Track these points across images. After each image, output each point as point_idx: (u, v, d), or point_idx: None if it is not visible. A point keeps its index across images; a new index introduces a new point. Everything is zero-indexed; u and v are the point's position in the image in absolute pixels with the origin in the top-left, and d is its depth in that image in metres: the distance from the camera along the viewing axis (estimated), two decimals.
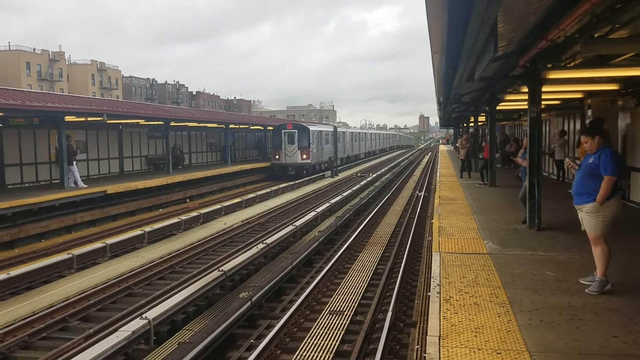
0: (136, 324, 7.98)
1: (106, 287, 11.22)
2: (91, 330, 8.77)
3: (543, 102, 10.78)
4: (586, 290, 6.51)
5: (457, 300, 6.25)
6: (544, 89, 9.83)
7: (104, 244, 13.96)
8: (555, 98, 15.84)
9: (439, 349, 4.95)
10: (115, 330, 8.06)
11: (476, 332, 5.35)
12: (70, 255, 12.69)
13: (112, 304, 10.53)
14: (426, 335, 6.91)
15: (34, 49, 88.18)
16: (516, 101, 17.04)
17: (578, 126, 17.51)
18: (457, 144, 35.30)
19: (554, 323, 5.53)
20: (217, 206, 21.74)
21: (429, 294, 8.43)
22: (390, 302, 9.64)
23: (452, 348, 4.97)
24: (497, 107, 18.03)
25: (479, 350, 4.94)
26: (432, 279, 7.15)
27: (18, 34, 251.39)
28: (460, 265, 7.79)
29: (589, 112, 14.70)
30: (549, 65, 9.09)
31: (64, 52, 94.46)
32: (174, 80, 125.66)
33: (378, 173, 38.50)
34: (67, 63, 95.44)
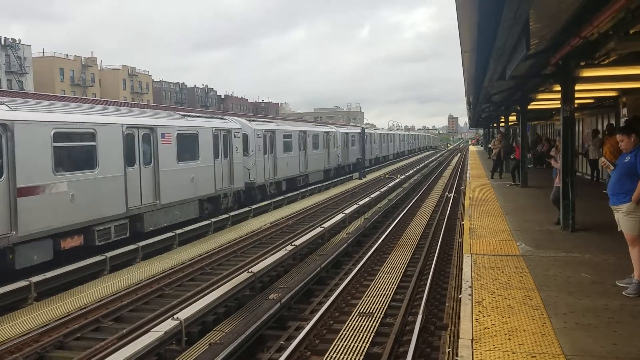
0: (168, 325, 8.07)
1: (138, 288, 11.39)
2: (124, 331, 8.90)
3: (576, 101, 10.55)
4: (623, 293, 6.35)
5: (490, 303, 6.16)
6: (577, 87, 9.63)
7: (136, 246, 14.18)
8: (588, 97, 15.50)
9: (472, 352, 4.89)
10: (148, 330, 8.17)
11: (510, 335, 5.26)
12: (104, 257, 12.92)
13: (144, 304, 10.67)
14: (458, 338, 6.84)
15: (67, 55, 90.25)
16: (548, 100, 16.75)
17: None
18: (490, 145, 34.79)
19: (590, 326, 5.41)
20: (246, 208, 21.87)
21: (460, 296, 8.33)
22: (420, 305, 9.54)
23: (485, 351, 4.89)
24: (529, 107, 17.74)
25: (513, 353, 4.85)
26: (463, 281, 7.07)
27: (56, 41, 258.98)
28: (492, 267, 7.68)
29: (624, 111, 14.35)
30: (582, 63, 8.91)
31: (96, 58, 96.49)
32: (203, 84, 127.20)
33: (406, 174, 38.21)
34: (99, 68, 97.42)
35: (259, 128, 24.96)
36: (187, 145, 18.37)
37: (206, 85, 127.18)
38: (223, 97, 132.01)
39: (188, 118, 19.37)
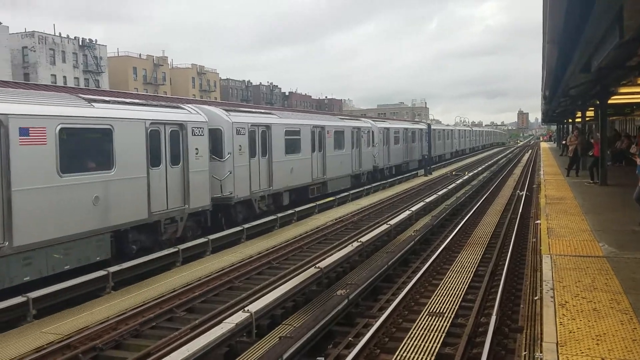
0: (239, 317, 8.18)
1: (209, 280, 11.64)
2: (197, 321, 9.11)
3: None
4: None
5: (574, 306, 5.84)
6: None
7: (206, 239, 14.51)
8: None
9: (558, 356, 4.63)
10: (220, 322, 8.31)
11: (598, 340, 4.96)
12: (177, 249, 13.30)
13: (214, 296, 10.89)
14: (535, 341, 6.54)
15: (140, 55, 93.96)
16: (630, 94, 15.80)
17: None
18: (563, 141, 33.30)
19: None
20: (311, 204, 21.96)
21: (535, 298, 7.98)
22: (493, 306, 9.22)
23: (572, 356, 4.62)
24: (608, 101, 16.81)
25: (602, 359, 4.56)
26: (543, 282, 6.74)
27: (131, 42, 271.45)
28: (574, 268, 7.30)
29: None
30: None
31: (167, 57, 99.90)
32: (268, 82, 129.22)
33: (475, 171, 37.19)
34: (169, 67, 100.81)
35: (239, 121, 18.36)
36: (86, 149, 12.44)
37: (271, 83, 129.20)
38: (287, 94, 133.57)
39: (95, 105, 12.40)
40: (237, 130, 17.95)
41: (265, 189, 19.60)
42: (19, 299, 9.44)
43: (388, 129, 36.05)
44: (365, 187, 28.53)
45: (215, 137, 17.06)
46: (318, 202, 22.38)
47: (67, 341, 8.31)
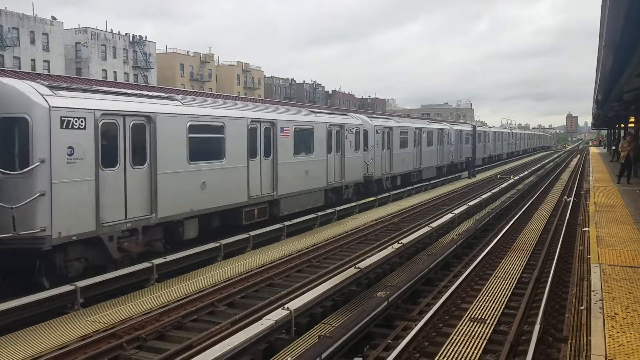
0: (279, 314, 8.24)
1: (249, 275, 11.77)
2: (237, 316, 9.23)
3: None
4: None
5: (624, 318, 5.63)
6: None
7: (247, 235, 14.67)
8: None
9: None
10: (259, 318, 8.39)
11: None
12: (218, 244, 13.50)
13: (254, 292, 11.00)
14: (579, 352, 6.36)
15: (187, 52, 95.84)
16: None
17: None
18: (614, 147, 32.15)
19: None
20: (352, 204, 21.90)
21: (582, 308, 7.76)
22: (537, 314, 9.00)
23: None
24: None
25: None
26: (592, 293, 6.53)
27: (182, 39, 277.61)
28: (625, 279, 7.04)
29: None
30: None
31: (214, 54, 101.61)
32: (312, 80, 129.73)
33: (520, 175, 36.31)
34: (215, 64, 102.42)
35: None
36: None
37: (314, 81, 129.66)
38: (330, 92, 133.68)
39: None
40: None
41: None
42: (67, 288, 9.75)
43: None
44: (407, 188, 28.22)
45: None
46: (359, 202, 22.30)
47: (111, 330, 8.55)
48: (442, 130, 36.18)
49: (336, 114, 23.40)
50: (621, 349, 4.88)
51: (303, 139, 19.54)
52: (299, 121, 19.46)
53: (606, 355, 4.76)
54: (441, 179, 34.46)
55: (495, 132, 61.19)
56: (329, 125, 21.31)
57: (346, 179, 22.53)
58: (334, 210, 19.92)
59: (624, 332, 5.27)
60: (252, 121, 16.48)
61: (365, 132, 24.89)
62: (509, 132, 70.80)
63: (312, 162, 19.87)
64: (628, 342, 5.05)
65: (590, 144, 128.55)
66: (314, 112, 21.55)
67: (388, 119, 26.52)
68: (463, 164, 41.12)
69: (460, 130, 40.42)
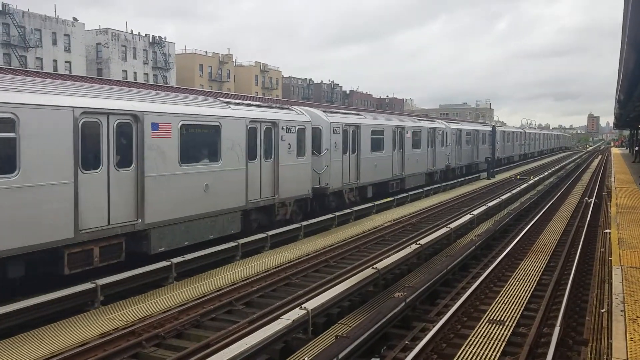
0: (296, 314, 8.26)
1: (267, 275, 11.82)
2: (254, 315, 9.27)
3: None
4: None
5: None
6: None
7: (265, 235, 14.73)
8: None
9: None
10: (277, 317, 8.42)
11: None
12: (236, 244, 13.57)
13: (272, 291, 11.04)
14: (600, 355, 6.27)
15: (206, 52, 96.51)
16: None
17: None
18: (637, 147, 31.63)
19: None
20: (369, 204, 21.87)
21: (602, 310, 7.65)
22: (557, 316, 8.89)
23: None
24: None
25: None
26: (613, 295, 6.44)
27: (202, 39, 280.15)
28: None
29: None
30: None
31: (232, 55, 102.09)
32: (329, 80, 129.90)
33: (540, 176, 35.93)
34: (234, 65, 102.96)
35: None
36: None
37: (332, 81, 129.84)
38: (348, 92, 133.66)
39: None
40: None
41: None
42: (87, 285, 9.88)
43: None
44: (425, 189, 28.10)
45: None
46: (376, 202, 22.25)
47: (130, 328, 8.65)
48: (433, 129, 30.93)
49: (268, 106, 17.41)
50: None
51: (200, 141, 13.97)
52: (193, 115, 13.38)
53: (627, 358, 4.69)
54: (459, 180, 34.17)
55: (504, 131, 53.79)
56: (251, 121, 15.41)
57: (282, 195, 16.81)
58: (351, 210, 19.89)
59: None
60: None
61: (317, 132, 19.61)
62: (520, 132, 64.93)
63: (217, 172, 14.04)
64: None
65: (612, 144, 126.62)
66: (227, 102, 15.27)
67: (357, 114, 21.62)
68: (466, 166, 39.36)
69: (460, 130, 37.09)
